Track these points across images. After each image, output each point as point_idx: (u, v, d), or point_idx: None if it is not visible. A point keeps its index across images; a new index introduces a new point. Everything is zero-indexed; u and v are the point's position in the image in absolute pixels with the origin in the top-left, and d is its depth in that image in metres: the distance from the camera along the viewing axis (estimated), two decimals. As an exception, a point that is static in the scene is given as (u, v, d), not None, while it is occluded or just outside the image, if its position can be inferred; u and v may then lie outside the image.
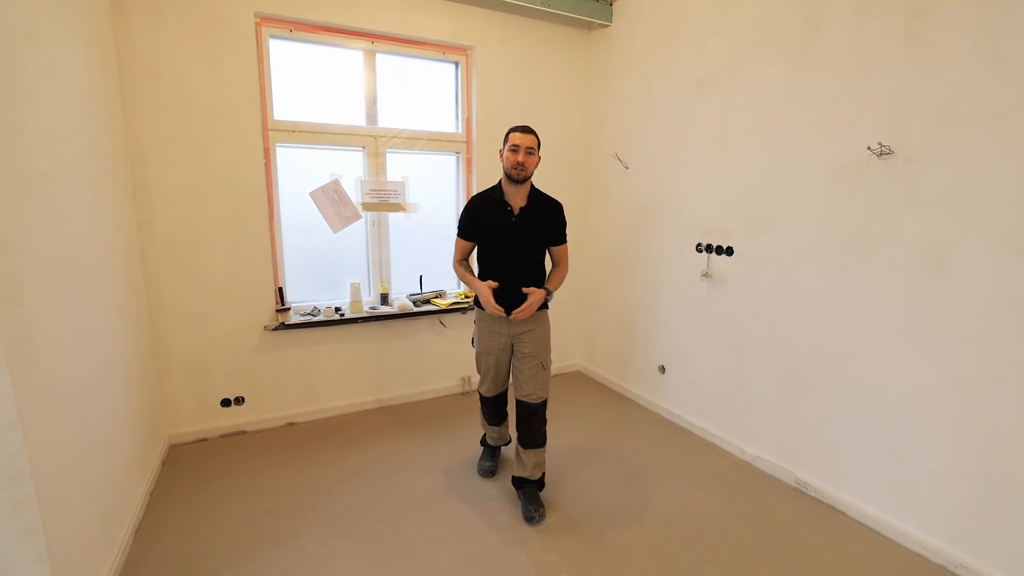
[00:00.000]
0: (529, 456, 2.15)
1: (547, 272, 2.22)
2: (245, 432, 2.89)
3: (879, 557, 1.93)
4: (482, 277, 2.17)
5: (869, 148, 1.96)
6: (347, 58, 2.98)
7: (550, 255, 2.24)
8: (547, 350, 2.18)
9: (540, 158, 2.09)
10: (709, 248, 2.74)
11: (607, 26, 3.38)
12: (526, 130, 2.04)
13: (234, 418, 2.86)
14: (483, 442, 2.58)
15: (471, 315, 3.34)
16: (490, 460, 2.51)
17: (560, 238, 2.20)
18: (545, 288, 2.13)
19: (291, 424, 2.99)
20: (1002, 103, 1.64)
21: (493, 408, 2.40)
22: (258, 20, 2.67)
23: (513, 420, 2.48)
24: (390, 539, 2.01)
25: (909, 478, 1.97)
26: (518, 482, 2.23)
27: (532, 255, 2.14)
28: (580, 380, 3.78)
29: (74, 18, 1.87)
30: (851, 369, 2.13)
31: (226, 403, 2.83)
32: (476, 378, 2.55)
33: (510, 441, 2.58)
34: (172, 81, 2.49)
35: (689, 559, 1.92)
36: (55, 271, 1.56)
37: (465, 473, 2.48)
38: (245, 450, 2.70)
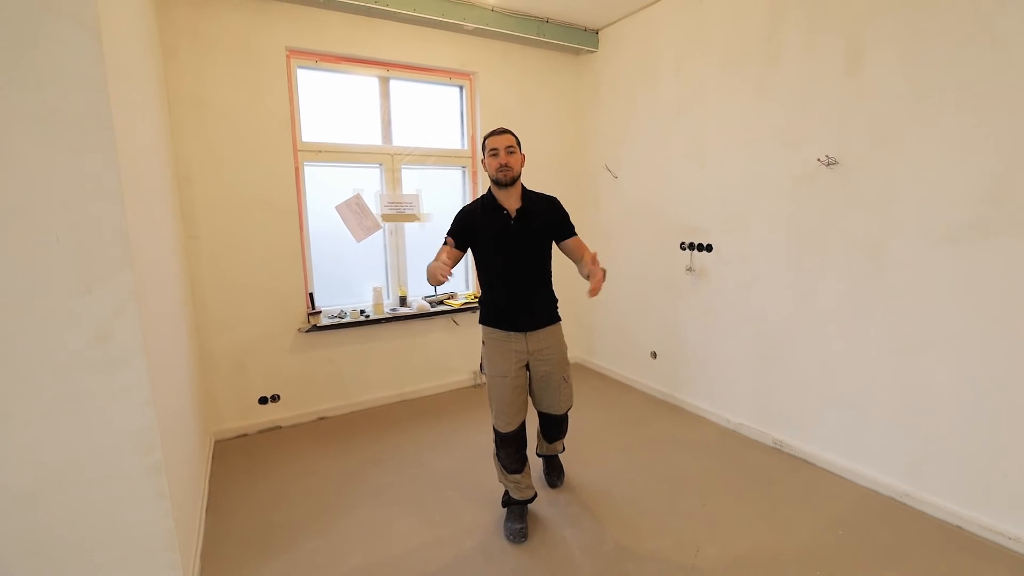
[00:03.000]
0: (555, 446, 2.38)
1: (551, 277, 2.11)
2: (281, 427, 3.15)
3: (841, 495, 2.35)
4: (488, 290, 2.05)
5: (819, 159, 2.39)
6: (365, 84, 3.30)
7: (567, 252, 2.09)
8: (566, 363, 2.09)
9: (524, 155, 1.99)
10: (692, 246, 3.16)
11: (594, 52, 3.79)
12: (500, 132, 1.94)
13: (271, 414, 3.12)
14: (506, 502, 2.15)
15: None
16: (520, 521, 2.07)
17: (569, 230, 2.07)
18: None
19: (322, 419, 3.26)
20: (920, 123, 2.09)
21: (513, 446, 2.05)
22: (288, 53, 2.98)
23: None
24: (435, 504, 2.32)
25: (861, 429, 2.39)
26: (540, 454, 2.46)
27: (536, 258, 2.00)
28: (581, 371, 4.14)
29: (148, 57, 2.16)
30: (811, 343, 2.56)
31: (263, 401, 3.09)
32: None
33: (536, 496, 2.19)
34: (214, 109, 2.78)
35: (688, 504, 2.29)
36: (156, 277, 1.84)
37: (486, 454, 2.77)
38: (283, 442, 2.97)
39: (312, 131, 3.15)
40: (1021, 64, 1.81)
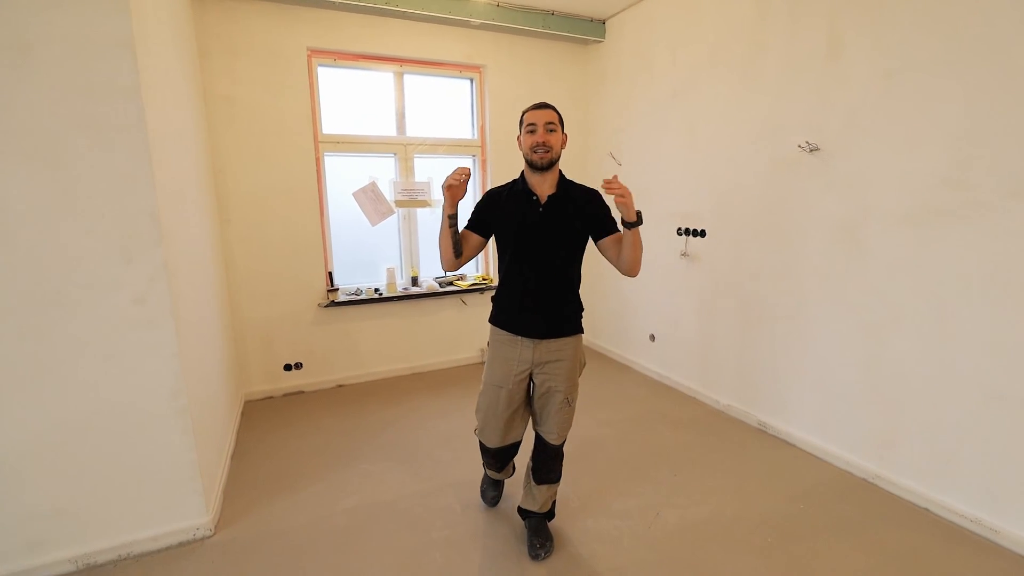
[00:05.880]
0: (542, 491, 1.93)
1: (580, 280, 1.84)
2: (303, 392, 3.50)
3: (812, 473, 2.43)
4: (503, 285, 1.81)
5: (799, 146, 2.44)
6: (380, 79, 3.56)
7: (606, 250, 1.76)
8: (575, 383, 1.83)
9: (566, 136, 1.72)
10: (687, 231, 3.24)
11: (601, 42, 3.88)
12: (541, 106, 1.68)
13: (294, 380, 3.48)
14: (484, 468, 2.17)
15: (489, 294, 3.89)
16: (494, 490, 2.20)
17: (610, 225, 1.75)
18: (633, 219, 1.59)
19: (340, 386, 3.60)
20: (892, 110, 2.12)
21: (496, 459, 1.97)
22: (309, 53, 3.26)
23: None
24: (425, 462, 2.59)
25: (835, 409, 2.46)
26: (524, 513, 2.00)
27: (564, 255, 1.73)
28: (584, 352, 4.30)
29: (185, 62, 2.48)
30: (792, 325, 2.63)
31: (288, 368, 3.46)
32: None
33: (514, 472, 2.24)
34: (244, 106, 3.10)
35: (660, 474, 2.45)
36: (187, 255, 2.16)
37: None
38: (305, 405, 3.32)
39: (332, 124, 3.44)
40: (983, 52, 1.82)
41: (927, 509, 2.13)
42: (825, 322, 2.46)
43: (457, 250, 1.75)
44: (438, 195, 3.73)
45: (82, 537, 1.83)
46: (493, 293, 1.89)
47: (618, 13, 3.66)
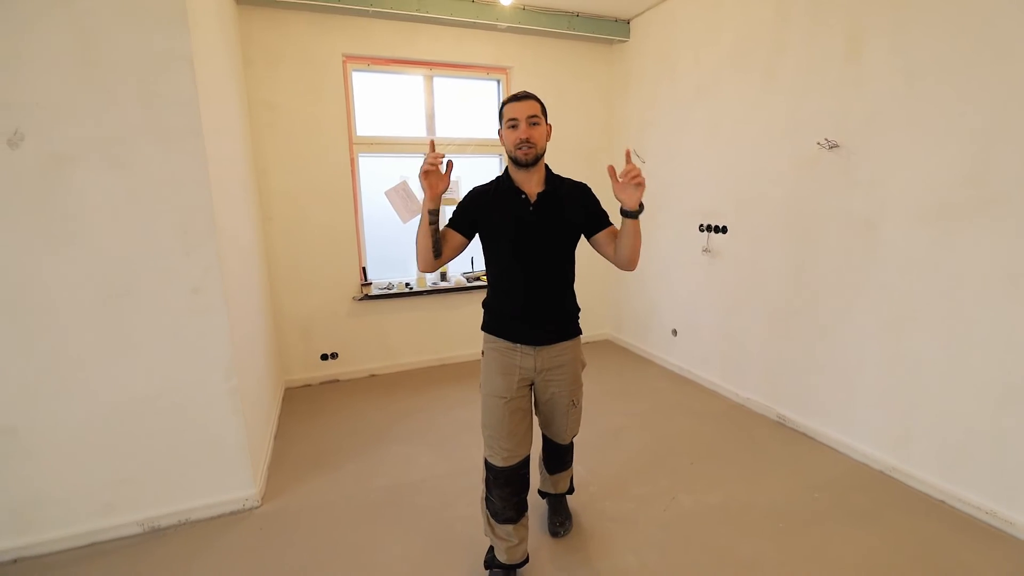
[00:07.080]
0: (557, 477, 2.02)
1: (574, 280, 1.74)
2: (338, 380, 3.71)
3: (829, 465, 2.47)
4: (496, 291, 1.68)
5: (819, 143, 2.47)
6: (410, 83, 3.72)
7: (600, 245, 1.69)
8: (579, 384, 1.75)
9: (551, 127, 1.61)
10: (709, 228, 3.29)
11: (626, 41, 3.94)
12: (521, 96, 1.54)
13: (330, 369, 3.69)
14: (489, 562, 1.77)
15: (512, 289, 4.00)
16: None
17: (604, 219, 1.69)
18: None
19: (373, 375, 3.79)
20: (912, 108, 2.14)
21: (510, 487, 1.66)
22: (344, 59, 3.44)
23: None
24: (451, 445, 2.73)
25: (853, 402, 2.49)
26: (544, 494, 2.12)
27: (558, 255, 1.64)
28: (608, 347, 4.39)
29: (234, 71, 2.68)
30: (811, 320, 2.66)
31: (324, 357, 3.66)
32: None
33: (527, 560, 1.77)
34: (284, 111, 3.31)
35: (677, 462, 2.53)
36: (234, 250, 2.36)
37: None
38: (340, 392, 3.52)
39: (365, 126, 3.62)
40: (1002, 52, 1.84)
41: (943, 501, 2.15)
42: (844, 317, 2.49)
43: (437, 250, 1.57)
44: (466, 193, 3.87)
45: (147, 503, 2.05)
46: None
47: (642, 13, 3.72)
